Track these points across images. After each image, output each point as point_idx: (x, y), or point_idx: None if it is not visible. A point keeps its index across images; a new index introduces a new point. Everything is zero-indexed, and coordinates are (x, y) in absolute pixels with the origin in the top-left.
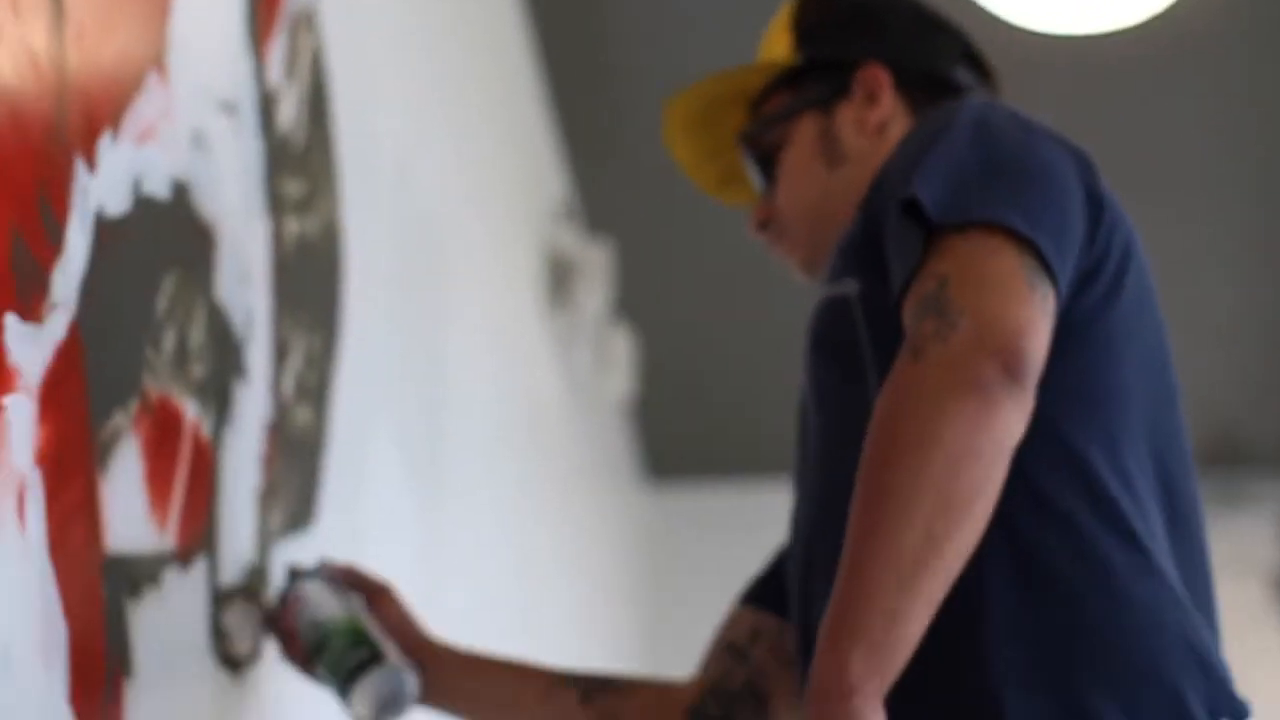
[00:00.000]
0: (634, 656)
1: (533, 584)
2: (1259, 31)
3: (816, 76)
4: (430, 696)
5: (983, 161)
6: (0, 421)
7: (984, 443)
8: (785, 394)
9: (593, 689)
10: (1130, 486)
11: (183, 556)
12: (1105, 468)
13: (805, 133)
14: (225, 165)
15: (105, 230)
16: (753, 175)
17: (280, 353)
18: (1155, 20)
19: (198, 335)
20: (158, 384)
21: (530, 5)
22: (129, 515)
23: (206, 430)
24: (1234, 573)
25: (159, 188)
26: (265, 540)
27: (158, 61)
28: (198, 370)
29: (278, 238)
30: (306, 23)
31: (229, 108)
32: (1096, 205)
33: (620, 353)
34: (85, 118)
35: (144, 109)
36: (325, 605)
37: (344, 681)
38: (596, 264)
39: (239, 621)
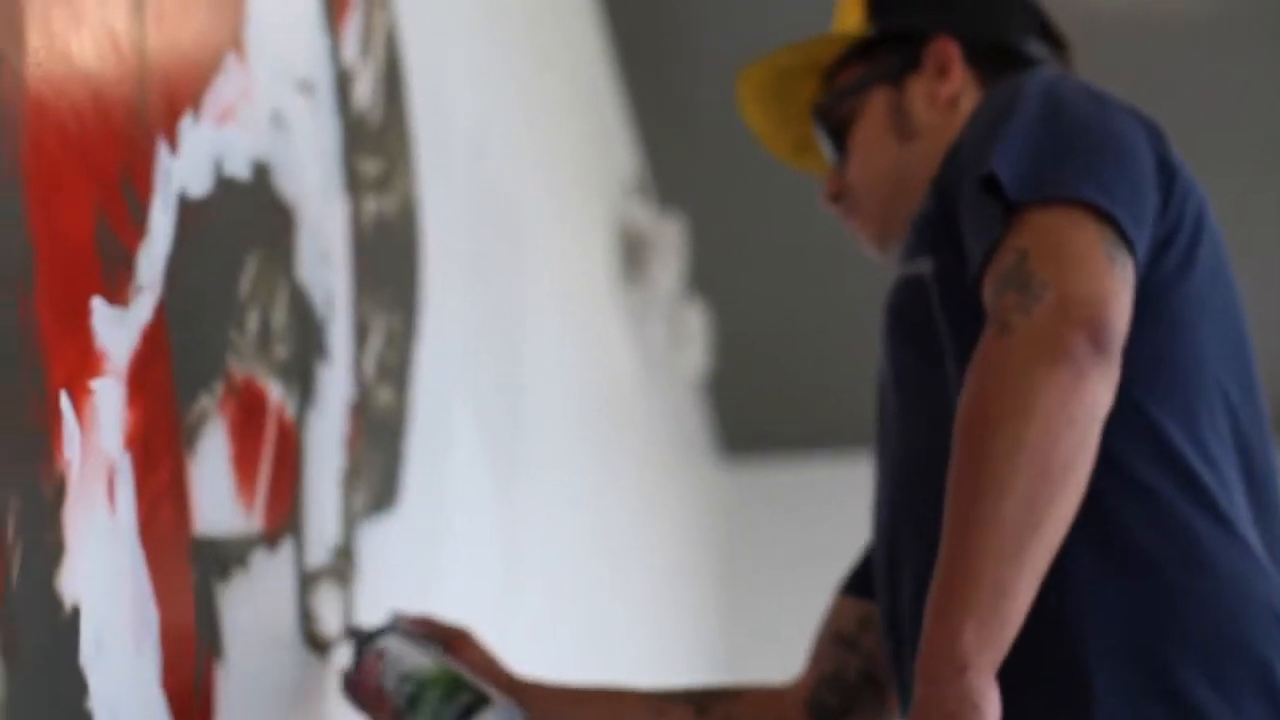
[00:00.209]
0: (709, 632)
1: (609, 560)
2: None
3: (887, 49)
4: None
5: (1057, 135)
6: (89, 405)
7: (1077, 411)
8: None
9: (705, 700)
10: (1209, 457)
11: (270, 538)
12: (1184, 439)
13: (876, 106)
14: (304, 145)
15: (188, 212)
16: (825, 148)
17: (361, 333)
18: None
19: (280, 316)
20: (242, 366)
21: None
22: (216, 498)
23: (290, 411)
24: None
25: (240, 168)
26: (350, 521)
27: (236, 42)
28: (281, 351)
29: (356, 217)
30: (380, 0)
31: (306, 87)
32: (1169, 175)
33: (694, 328)
34: (166, 99)
35: (223, 90)
36: (409, 657)
37: None
38: (670, 239)
39: (325, 602)
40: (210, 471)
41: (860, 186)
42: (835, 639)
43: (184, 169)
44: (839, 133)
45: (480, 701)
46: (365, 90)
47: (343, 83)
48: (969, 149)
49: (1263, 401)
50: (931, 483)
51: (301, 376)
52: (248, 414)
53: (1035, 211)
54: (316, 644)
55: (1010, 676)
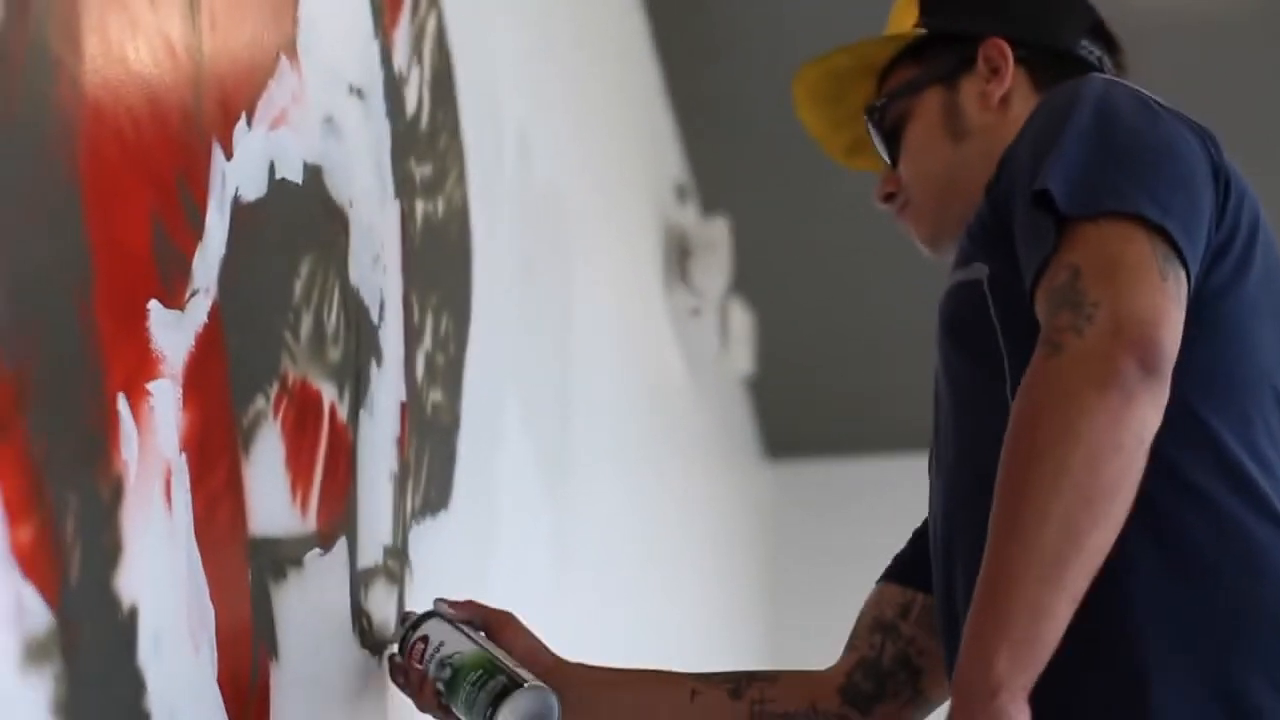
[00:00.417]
0: (754, 631)
1: (657, 560)
2: None
3: (940, 49)
4: (575, 715)
5: (1109, 147)
6: (146, 407)
7: (1124, 437)
8: (903, 370)
9: (741, 682)
10: (1264, 462)
11: (324, 539)
12: (1239, 446)
13: (930, 106)
14: (356, 148)
15: (242, 215)
16: (879, 148)
17: (412, 334)
18: None
19: (334, 318)
20: (296, 367)
21: None
22: (271, 498)
23: (343, 413)
24: None
25: (293, 172)
26: (403, 522)
27: (288, 46)
28: (334, 353)
29: (407, 220)
30: (429, 4)
31: (358, 91)
32: (1222, 182)
33: (740, 330)
34: (221, 104)
35: (277, 94)
36: (450, 642)
37: (486, 712)
38: (716, 241)
39: (379, 602)
40: (265, 472)
41: (913, 186)
42: (874, 625)
43: (238, 173)
44: (893, 134)
45: (513, 684)
46: (415, 94)
47: (393, 86)
48: (1022, 159)
49: None
50: (987, 488)
51: (354, 378)
52: (302, 415)
53: (1088, 225)
54: (370, 643)
55: (1069, 685)
